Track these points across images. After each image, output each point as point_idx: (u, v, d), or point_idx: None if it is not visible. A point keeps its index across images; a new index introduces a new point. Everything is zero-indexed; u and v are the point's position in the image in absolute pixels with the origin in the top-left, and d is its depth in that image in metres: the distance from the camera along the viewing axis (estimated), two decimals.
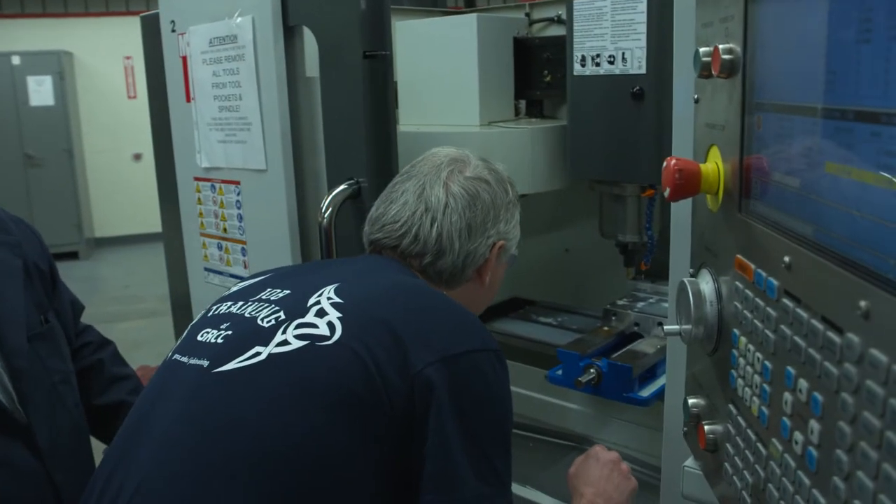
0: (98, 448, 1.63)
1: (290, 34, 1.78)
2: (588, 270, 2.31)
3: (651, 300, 1.98)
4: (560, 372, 1.80)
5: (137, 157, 9.67)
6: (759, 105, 0.73)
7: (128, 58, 9.63)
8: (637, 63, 1.67)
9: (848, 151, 0.56)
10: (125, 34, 9.33)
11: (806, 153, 0.62)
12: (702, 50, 0.83)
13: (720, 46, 0.78)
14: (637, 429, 1.93)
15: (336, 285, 1.17)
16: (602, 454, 1.44)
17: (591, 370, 1.71)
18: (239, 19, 1.79)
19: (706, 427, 0.88)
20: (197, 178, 2.09)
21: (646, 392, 1.71)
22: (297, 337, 1.08)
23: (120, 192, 9.78)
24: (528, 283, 2.36)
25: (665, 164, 0.84)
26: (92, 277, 8.19)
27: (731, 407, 0.81)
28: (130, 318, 6.58)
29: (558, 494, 1.73)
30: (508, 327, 2.15)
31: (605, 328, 1.94)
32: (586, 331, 1.99)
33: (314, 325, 1.09)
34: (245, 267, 1.99)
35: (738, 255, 0.77)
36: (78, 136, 9.41)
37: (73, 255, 9.02)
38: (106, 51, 9.59)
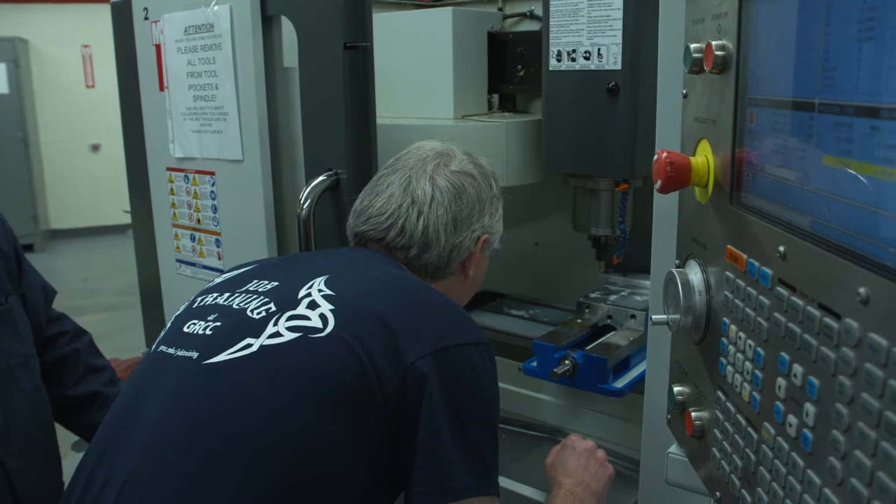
0: (65, 439, 1.62)
1: (269, 23, 1.77)
2: (557, 264, 2.33)
3: (623, 293, 2.01)
4: (535, 364, 1.82)
5: (95, 147, 9.51)
6: (752, 100, 0.75)
7: (86, 46, 9.45)
8: (612, 59, 1.69)
9: (847, 145, 0.58)
10: (83, 22, 9.18)
11: (802, 147, 0.65)
12: (693, 46, 0.85)
13: (713, 43, 0.80)
14: (610, 420, 1.97)
15: (326, 277, 1.17)
16: (578, 443, 1.46)
17: (566, 362, 1.73)
18: (216, 7, 1.78)
19: (693, 414, 0.90)
20: (170, 169, 2.06)
21: (620, 383, 1.74)
22: (290, 329, 1.08)
23: (77, 184, 9.61)
24: (498, 276, 2.38)
25: (656, 156, 0.86)
26: (49, 270, 8.00)
27: (720, 393, 0.83)
28: (90, 312, 6.47)
29: (532, 484, 1.75)
30: (481, 320, 2.16)
31: (579, 321, 1.96)
32: (558, 323, 2.02)
33: (306, 318, 1.09)
34: (219, 258, 1.98)
35: (729, 246, 0.79)
36: (34, 125, 9.23)
37: (28, 248, 8.84)
38: (63, 38, 9.40)
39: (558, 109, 1.80)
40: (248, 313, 1.13)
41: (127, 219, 2.52)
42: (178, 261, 2.12)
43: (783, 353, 0.67)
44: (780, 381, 0.68)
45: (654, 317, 0.94)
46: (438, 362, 1.07)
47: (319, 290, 1.14)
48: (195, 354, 1.10)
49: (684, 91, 0.93)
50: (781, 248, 0.67)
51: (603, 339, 1.86)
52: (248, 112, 1.80)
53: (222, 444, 1.01)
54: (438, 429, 1.06)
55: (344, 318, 1.09)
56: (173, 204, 2.09)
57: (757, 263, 0.72)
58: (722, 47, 0.79)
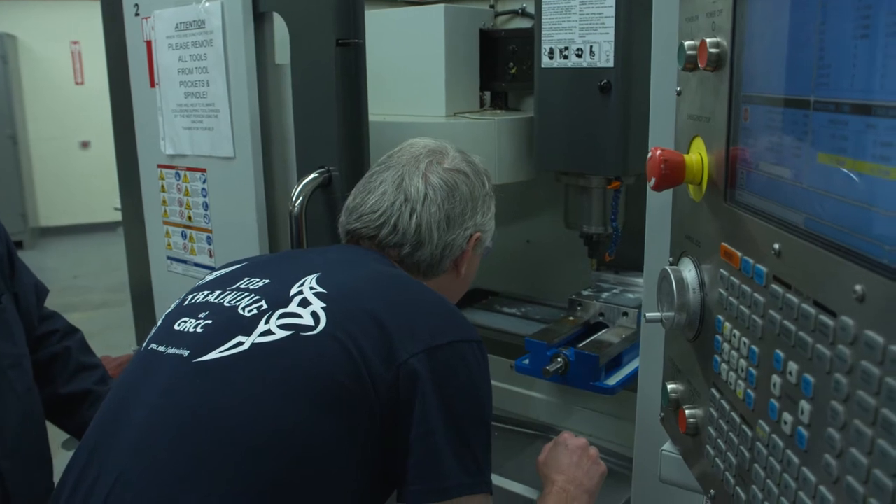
0: (56, 437, 1.60)
1: (260, 20, 1.76)
2: (549, 261, 2.33)
3: (615, 291, 2.01)
4: (527, 361, 1.83)
5: (85, 144, 9.46)
6: (746, 97, 0.75)
7: (75, 42, 9.40)
8: (605, 56, 1.69)
9: (842, 143, 0.58)
10: (72, 18, 9.12)
11: (797, 144, 0.65)
12: (687, 43, 0.85)
13: (707, 40, 0.80)
14: (602, 417, 1.97)
15: (318, 275, 1.16)
16: (570, 441, 1.46)
17: (559, 359, 1.74)
18: (207, 4, 1.77)
19: (687, 411, 0.90)
20: (161, 166, 2.05)
21: (612, 381, 1.74)
22: (281, 327, 1.08)
23: (67, 181, 9.56)
24: (490, 274, 2.38)
25: (650, 154, 0.86)
26: (38, 268, 7.91)
27: (714, 391, 0.83)
28: (80, 310, 6.43)
29: (524, 482, 1.75)
30: (473, 318, 2.16)
31: (571, 318, 1.96)
32: (550, 321, 2.02)
33: (298, 315, 1.09)
34: (210, 256, 1.97)
35: (724, 244, 0.79)
36: (22, 122, 9.17)
37: (17, 245, 8.76)
38: (52, 35, 9.35)
39: (550, 107, 1.80)
40: (240, 311, 1.13)
41: (117, 216, 2.51)
42: (169, 258, 2.11)
43: (778, 351, 0.67)
44: (775, 378, 0.68)
45: (648, 314, 0.94)
46: (431, 360, 1.07)
47: (311, 288, 1.14)
48: (186, 352, 1.10)
49: (678, 88, 0.93)
50: (776, 246, 0.67)
51: (595, 336, 1.86)
52: (239, 109, 1.79)
53: (213, 442, 1.01)
54: (432, 427, 1.05)
55: (336, 315, 1.09)
56: (164, 201, 2.08)
57: (751, 261, 0.72)
58: (716, 44, 0.79)
